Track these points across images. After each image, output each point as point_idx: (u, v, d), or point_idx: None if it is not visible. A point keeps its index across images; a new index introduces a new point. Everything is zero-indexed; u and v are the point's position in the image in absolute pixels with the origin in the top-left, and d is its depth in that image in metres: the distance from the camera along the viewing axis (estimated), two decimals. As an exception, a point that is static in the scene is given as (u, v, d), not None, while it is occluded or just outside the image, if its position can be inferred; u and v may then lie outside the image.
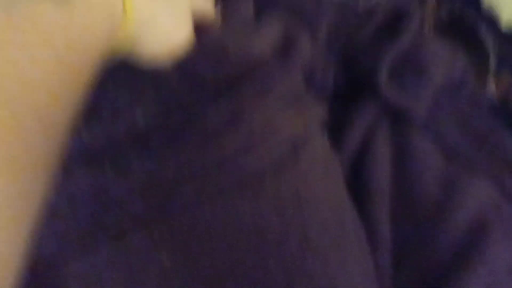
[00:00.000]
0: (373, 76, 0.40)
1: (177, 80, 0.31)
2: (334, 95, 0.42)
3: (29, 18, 0.21)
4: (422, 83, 0.41)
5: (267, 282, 0.30)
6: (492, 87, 0.46)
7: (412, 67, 0.41)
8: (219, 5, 0.36)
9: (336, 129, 0.39)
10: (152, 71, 0.31)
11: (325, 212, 0.33)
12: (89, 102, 0.25)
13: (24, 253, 0.22)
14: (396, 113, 0.40)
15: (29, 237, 0.22)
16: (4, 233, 0.20)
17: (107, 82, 0.27)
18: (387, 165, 0.38)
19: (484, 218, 0.36)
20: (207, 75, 0.32)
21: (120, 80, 0.30)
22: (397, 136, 0.39)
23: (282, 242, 0.30)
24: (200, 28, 0.34)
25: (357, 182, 0.38)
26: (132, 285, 0.30)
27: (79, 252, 0.29)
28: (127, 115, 0.31)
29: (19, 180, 0.21)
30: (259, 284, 0.30)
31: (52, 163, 0.23)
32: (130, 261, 0.29)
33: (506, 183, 0.38)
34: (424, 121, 0.40)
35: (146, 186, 0.30)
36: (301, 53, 0.38)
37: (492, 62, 0.46)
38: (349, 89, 0.42)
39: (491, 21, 0.47)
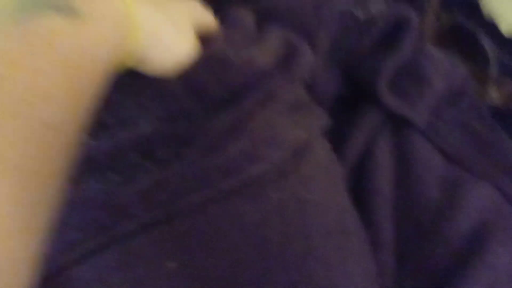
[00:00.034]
0: (374, 85, 0.41)
1: (182, 90, 0.32)
2: (335, 104, 0.42)
3: (38, 31, 0.22)
4: (422, 92, 0.41)
5: (270, 285, 0.30)
6: (494, 94, 0.47)
7: (412, 75, 0.42)
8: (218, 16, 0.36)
9: (338, 136, 0.39)
10: (157, 81, 0.31)
11: (327, 216, 0.33)
12: (95, 111, 0.26)
13: (36, 261, 0.22)
14: (398, 119, 0.40)
15: (40, 245, 0.22)
16: (15, 241, 0.20)
17: (113, 91, 0.28)
18: (389, 169, 0.38)
19: (486, 221, 0.36)
20: (211, 85, 0.32)
21: (125, 89, 0.31)
22: (398, 141, 0.40)
23: (285, 246, 0.31)
24: (203, 39, 0.35)
25: (360, 187, 0.38)
26: None
27: (84, 256, 0.29)
28: (132, 123, 0.31)
29: (29, 188, 0.21)
30: (262, 287, 0.30)
31: (62, 172, 0.23)
32: (135, 266, 0.30)
33: (508, 186, 0.38)
34: (425, 128, 0.40)
35: (151, 193, 0.30)
36: (303, 63, 0.38)
37: (493, 69, 0.47)
38: (351, 98, 0.43)
39: (491, 28, 0.47)
